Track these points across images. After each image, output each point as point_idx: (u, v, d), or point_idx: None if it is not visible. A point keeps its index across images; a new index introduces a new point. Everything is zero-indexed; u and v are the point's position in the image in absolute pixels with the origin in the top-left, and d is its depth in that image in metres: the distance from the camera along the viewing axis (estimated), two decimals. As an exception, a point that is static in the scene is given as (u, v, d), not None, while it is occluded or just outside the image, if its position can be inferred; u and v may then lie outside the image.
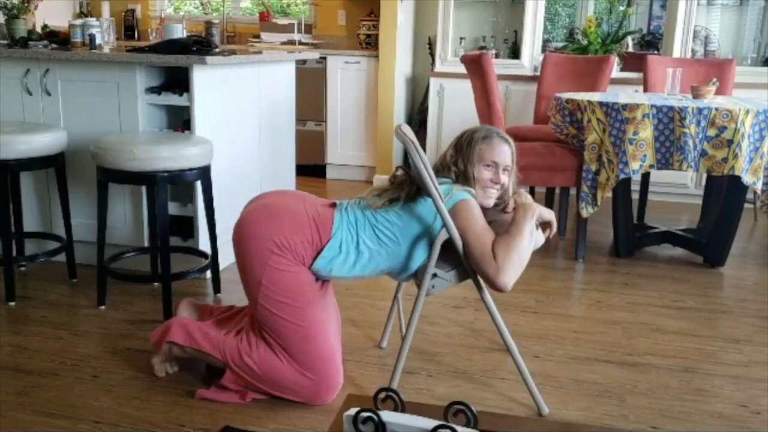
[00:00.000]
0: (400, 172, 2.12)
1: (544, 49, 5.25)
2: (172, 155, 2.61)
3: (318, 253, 2.02)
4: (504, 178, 2.10)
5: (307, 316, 2.05)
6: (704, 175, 4.16)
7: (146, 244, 3.12)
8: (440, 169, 2.12)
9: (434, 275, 2.00)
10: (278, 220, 2.04)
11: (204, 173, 2.78)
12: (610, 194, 3.45)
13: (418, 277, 2.05)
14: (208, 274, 3.01)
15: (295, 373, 2.05)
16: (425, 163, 1.91)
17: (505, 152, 2.10)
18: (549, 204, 4.43)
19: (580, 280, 3.39)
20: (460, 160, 2.08)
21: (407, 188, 2.05)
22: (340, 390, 2.12)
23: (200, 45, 3.01)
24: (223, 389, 2.10)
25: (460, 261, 2.00)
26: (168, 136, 2.87)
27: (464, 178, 2.08)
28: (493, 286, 1.94)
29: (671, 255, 3.75)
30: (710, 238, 3.58)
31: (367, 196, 2.13)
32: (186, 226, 3.16)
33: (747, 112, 3.11)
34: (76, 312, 2.77)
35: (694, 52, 4.90)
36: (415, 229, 2.02)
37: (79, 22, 3.39)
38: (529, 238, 1.95)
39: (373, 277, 2.13)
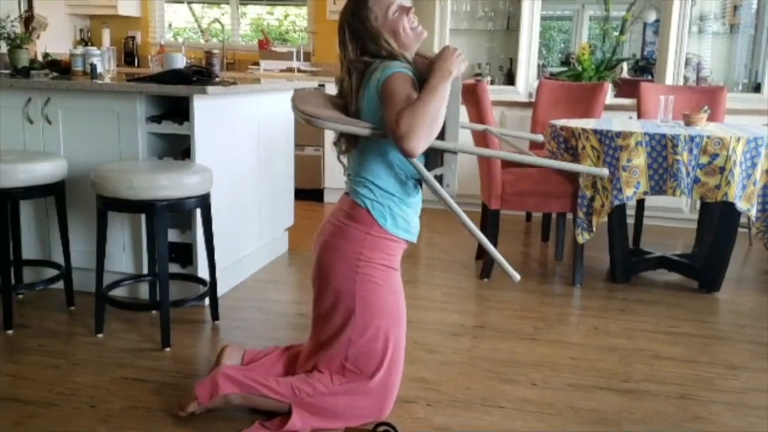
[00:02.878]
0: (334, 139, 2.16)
1: (539, 75, 5.32)
2: (172, 184, 2.64)
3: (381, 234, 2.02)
4: (412, 15, 2.04)
5: (394, 339, 2.07)
6: (698, 201, 4.20)
7: (145, 271, 3.13)
8: (352, 57, 2.02)
9: (437, 177, 1.97)
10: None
11: (203, 201, 2.81)
12: (605, 219, 3.48)
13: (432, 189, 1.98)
14: (207, 301, 3.02)
15: (372, 399, 2.06)
16: (332, 118, 1.94)
17: None
18: (546, 229, 4.47)
19: (577, 306, 3.40)
20: (370, 42, 1.98)
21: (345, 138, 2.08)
22: None
23: (201, 75, 3.05)
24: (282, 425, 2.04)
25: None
26: (168, 164, 2.90)
27: (373, 42, 1.98)
28: (402, 152, 1.85)
29: (667, 280, 3.77)
30: (705, 263, 3.60)
31: (347, 167, 2.14)
32: (185, 253, 3.17)
33: (738, 139, 3.16)
34: (73, 340, 2.78)
35: (686, 78, 4.96)
36: (384, 144, 1.99)
37: (80, 51, 3.44)
38: (441, 100, 1.85)
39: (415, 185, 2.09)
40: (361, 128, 1.95)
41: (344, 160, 2.14)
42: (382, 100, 1.90)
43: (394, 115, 1.82)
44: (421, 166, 1.94)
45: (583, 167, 1.96)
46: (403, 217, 2.04)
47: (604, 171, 2.05)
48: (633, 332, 3.01)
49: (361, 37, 1.98)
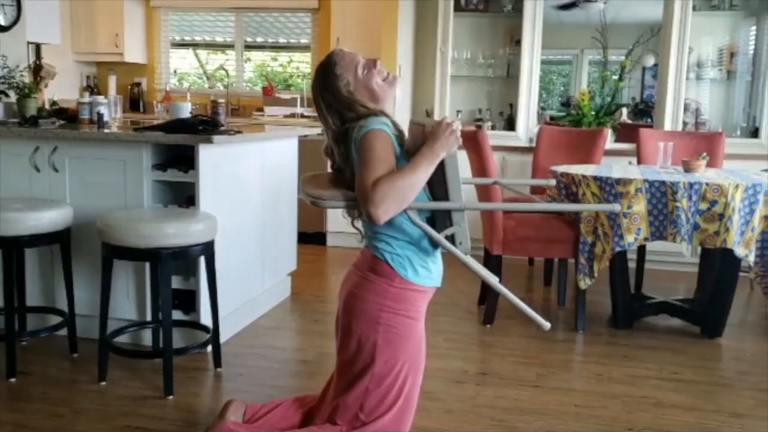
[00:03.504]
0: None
1: (539, 120, 5.39)
2: (177, 232, 2.67)
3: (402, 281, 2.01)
4: (379, 65, 2.02)
5: (410, 385, 2.05)
6: (699, 246, 4.21)
7: (148, 317, 3.14)
8: (336, 130, 2.00)
9: (449, 237, 1.95)
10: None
11: (208, 248, 2.83)
12: (607, 265, 3.50)
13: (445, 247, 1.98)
14: (209, 348, 3.03)
15: None
16: (334, 197, 1.96)
17: (359, 56, 2.02)
18: (548, 274, 4.48)
19: (580, 353, 3.40)
20: (333, 98, 1.97)
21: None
22: None
23: (206, 124, 3.10)
24: None
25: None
26: (173, 212, 2.94)
27: (349, 109, 1.96)
28: (366, 216, 1.85)
29: (669, 325, 3.77)
30: (707, 308, 3.60)
31: (362, 231, 2.12)
32: (188, 300, 3.18)
33: (737, 186, 3.19)
34: (76, 388, 2.78)
35: (685, 123, 5.03)
36: None
37: (87, 99, 3.51)
38: (420, 181, 1.85)
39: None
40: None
41: (359, 225, 2.14)
42: (358, 158, 1.90)
43: (371, 179, 1.82)
44: (429, 228, 1.94)
45: (594, 206, 1.93)
46: (423, 266, 2.04)
47: (616, 206, 2.00)
48: (636, 379, 3.00)
49: (337, 110, 1.97)
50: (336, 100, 1.98)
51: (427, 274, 2.05)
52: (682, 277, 4.74)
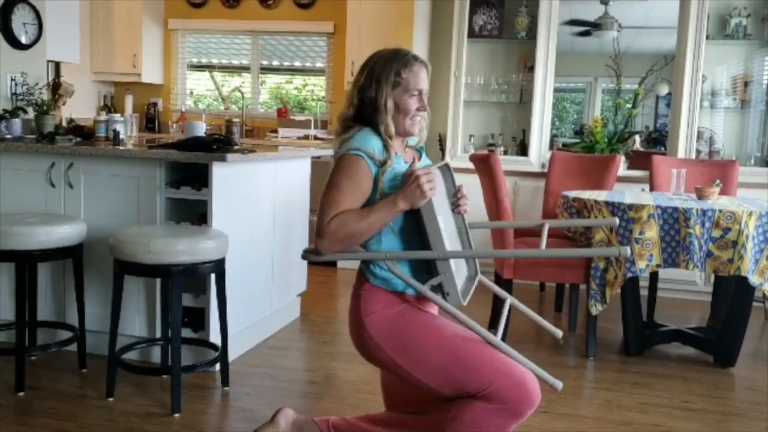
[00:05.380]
0: None
1: (551, 146, 5.39)
2: (188, 249, 2.68)
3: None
4: (425, 100, 2.00)
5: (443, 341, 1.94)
6: (712, 274, 4.18)
7: (158, 334, 3.14)
8: (344, 113, 2.00)
9: (434, 288, 1.90)
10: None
11: (218, 266, 2.84)
12: (619, 291, 3.47)
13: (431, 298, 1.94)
14: (218, 366, 3.02)
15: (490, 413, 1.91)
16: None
17: (425, 77, 1.99)
18: (559, 299, 4.45)
19: (590, 379, 3.36)
20: (372, 90, 1.93)
21: None
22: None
23: (220, 143, 3.13)
24: None
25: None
26: (185, 229, 2.95)
27: (373, 109, 1.94)
28: (315, 241, 1.89)
29: (681, 353, 3.72)
30: (720, 337, 3.56)
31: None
32: (197, 318, 3.19)
33: (750, 214, 3.17)
34: (84, 403, 2.78)
35: (698, 152, 5.01)
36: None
37: (103, 117, 3.55)
38: (375, 226, 1.86)
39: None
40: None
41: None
42: (330, 174, 1.90)
43: (333, 207, 1.85)
44: (411, 279, 1.91)
45: (596, 250, 1.86)
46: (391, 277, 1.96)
47: (626, 250, 1.87)
48: (647, 407, 2.96)
49: (362, 98, 1.95)
50: (378, 89, 1.93)
51: (395, 280, 1.97)
52: (695, 305, 4.70)
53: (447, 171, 2.16)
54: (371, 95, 1.93)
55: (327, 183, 1.91)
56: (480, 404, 1.89)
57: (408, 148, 2.11)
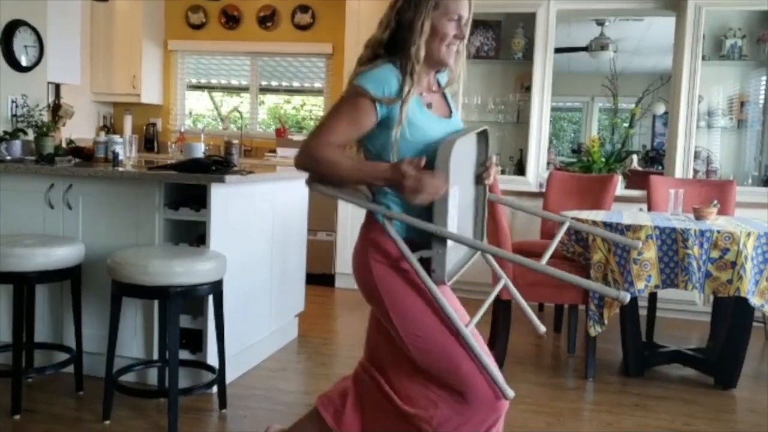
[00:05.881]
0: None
1: (549, 165, 5.41)
2: (186, 270, 2.68)
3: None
4: (466, 30, 1.93)
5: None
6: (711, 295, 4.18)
7: (155, 356, 3.13)
8: (378, 35, 1.93)
9: (423, 260, 1.84)
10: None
11: (216, 287, 2.84)
12: (618, 311, 3.47)
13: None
14: (215, 388, 3.00)
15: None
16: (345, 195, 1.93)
17: (467, 5, 1.91)
18: (558, 320, 4.43)
19: (590, 401, 3.34)
20: (410, 12, 1.86)
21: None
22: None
23: (219, 164, 3.14)
24: None
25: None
26: (183, 250, 2.95)
27: (408, 30, 1.86)
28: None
29: (682, 375, 3.70)
30: (720, 358, 3.55)
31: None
32: (195, 339, 3.17)
33: (749, 234, 3.18)
34: (80, 426, 2.76)
35: (696, 171, 5.03)
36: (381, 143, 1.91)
37: (103, 138, 3.57)
38: (351, 176, 1.85)
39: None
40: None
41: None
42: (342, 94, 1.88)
43: (326, 131, 1.83)
44: (400, 241, 1.86)
45: (598, 286, 1.82)
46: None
47: (626, 296, 1.79)
48: (647, 429, 2.95)
49: (407, 20, 1.87)
50: (410, 12, 1.87)
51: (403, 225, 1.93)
52: (695, 325, 4.69)
53: (483, 138, 2.09)
54: (409, 16, 1.86)
55: (329, 111, 1.91)
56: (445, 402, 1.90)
57: (435, 91, 2.02)
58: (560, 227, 2.27)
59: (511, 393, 1.85)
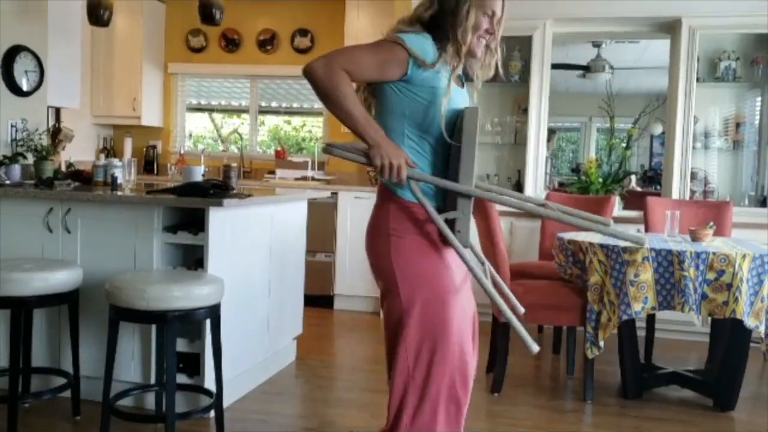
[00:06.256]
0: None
1: (546, 186, 5.43)
2: (184, 294, 2.69)
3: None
4: (498, 29, 2.06)
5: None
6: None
7: (153, 380, 3.13)
8: (421, 13, 2.04)
9: (449, 221, 1.92)
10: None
11: (213, 311, 2.84)
12: (616, 332, 3.47)
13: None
14: (212, 413, 3.00)
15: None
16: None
17: (500, 4, 2.04)
18: (557, 342, 4.43)
19: (589, 423, 3.33)
20: (449, 15, 2.00)
21: None
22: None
23: (217, 188, 3.16)
24: None
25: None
26: (180, 274, 2.96)
27: (453, 16, 1.99)
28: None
29: (680, 396, 3.69)
30: (718, 380, 3.54)
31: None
32: (193, 363, 3.17)
33: (744, 256, 3.19)
34: (77, 452, 2.75)
35: (693, 192, 5.05)
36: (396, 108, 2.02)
37: (102, 162, 3.59)
38: (344, 113, 1.90)
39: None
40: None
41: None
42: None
43: (349, 58, 1.90)
44: (428, 203, 1.94)
45: (625, 234, 1.94)
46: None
47: (534, 348, 1.98)
48: (646, 453, 2.93)
49: (450, 7, 1.99)
50: (450, 2, 1.99)
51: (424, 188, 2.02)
52: (694, 346, 4.68)
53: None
54: (452, 4, 1.99)
55: (368, 43, 1.96)
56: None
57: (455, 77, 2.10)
58: (545, 215, 2.31)
59: (535, 347, 1.95)
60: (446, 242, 1.98)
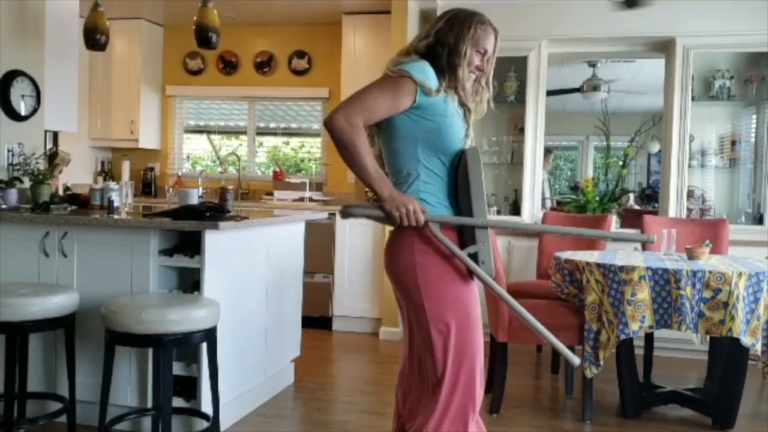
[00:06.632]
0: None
1: (543, 205, 5.43)
2: (180, 318, 2.68)
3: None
4: (488, 67, 2.16)
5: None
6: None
7: (149, 404, 3.11)
8: (416, 44, 2.14)
9: (472, 255, 1.97)
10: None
11: (210, 335, 2.84)
12: (614, 351, 3.46)
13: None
14: (209, 437, 2.98)
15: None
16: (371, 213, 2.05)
17: (493, 42, 2.15)
18: (556, 361, 4.41)
19: (587, 444, 3.31)
20: (452, 35, 2.10)
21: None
22: None
23: (213, 211, 3.16)
24: None
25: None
26: (177, 298, 2.96)
27: (449, 52, 2.09)
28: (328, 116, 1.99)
29: (679, 415, 3.67)
30: (717, 398, 3.53)
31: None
32: (189, 387, 3.16)
33: (740, 274, 3.19)
34: (72, 478, 2.73)
35: (690, 210, 5.06)
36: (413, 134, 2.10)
37: (99, 186, 3.60)
38: (362, 169, 1.97)
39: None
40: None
41: None
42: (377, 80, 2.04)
43: (362, 108, 1.97)
44: (450, 243, 2.00)
45: (633, 235, 2.05)
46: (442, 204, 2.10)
47: (575, 361, 2.09)
48: (646, 474, 2.91)
49: (448, 43, 2.09)
50: (464, 29, 2.08)
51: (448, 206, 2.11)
52: (693, 364, 4.66)
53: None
54: (450, 40, 2.09)
55: (370, 84, 2.04)
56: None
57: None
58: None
59: (576, 361, 2.05)
60: (473, 275, 2.05)
